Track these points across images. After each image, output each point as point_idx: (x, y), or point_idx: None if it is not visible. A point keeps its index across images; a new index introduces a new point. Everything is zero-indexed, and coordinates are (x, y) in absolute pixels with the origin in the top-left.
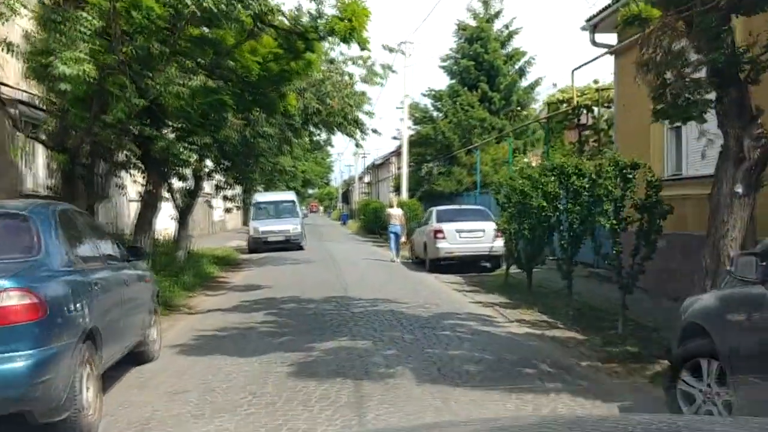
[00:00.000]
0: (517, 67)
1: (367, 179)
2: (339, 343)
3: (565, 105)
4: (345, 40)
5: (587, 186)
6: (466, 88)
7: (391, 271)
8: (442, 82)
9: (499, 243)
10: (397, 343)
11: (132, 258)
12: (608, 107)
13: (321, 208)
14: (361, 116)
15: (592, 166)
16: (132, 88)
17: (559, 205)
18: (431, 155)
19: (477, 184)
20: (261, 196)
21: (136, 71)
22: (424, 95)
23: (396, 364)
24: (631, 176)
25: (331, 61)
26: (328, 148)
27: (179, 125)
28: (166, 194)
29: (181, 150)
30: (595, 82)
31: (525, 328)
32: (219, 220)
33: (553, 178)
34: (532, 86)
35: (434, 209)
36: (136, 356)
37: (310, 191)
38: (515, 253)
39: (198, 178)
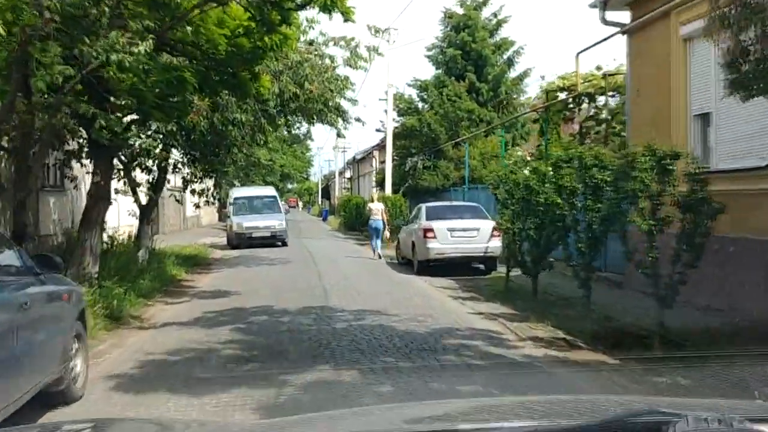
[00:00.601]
0: (505, 57)
1: (348, 174)
2: (318, 373)
3: (565, 93)
4: (326, 7)
5: (609, 179)
6: (453, 78)
7: (376, 272)
8: (428, 72)
9: (496, 243)
10: (392, 373)
11: (43, 271)
12: (613, 96)
13: (300, 204)
14: (343, 103)
15: (615, 157)
16: (55, 51)
17: (575, 202)
18: (416, 149)
19: (465, 179)
20: (239, 191)
21: (67, 34)
22: (409, 85)
23: None
24: (671, 168)
25: (311, 43)
26: (308, 141)
27: (128, 104)
28: (123, 187)
29: (133, 136)
30: (598, 68)
31: (542, 349)
32: (192, 215)
33: (568, 170)
34: (521, 77)
35: (423, 206)
36: (52, 396)
37: (289, 186)
38: (519, 255)
39: (162, 170)
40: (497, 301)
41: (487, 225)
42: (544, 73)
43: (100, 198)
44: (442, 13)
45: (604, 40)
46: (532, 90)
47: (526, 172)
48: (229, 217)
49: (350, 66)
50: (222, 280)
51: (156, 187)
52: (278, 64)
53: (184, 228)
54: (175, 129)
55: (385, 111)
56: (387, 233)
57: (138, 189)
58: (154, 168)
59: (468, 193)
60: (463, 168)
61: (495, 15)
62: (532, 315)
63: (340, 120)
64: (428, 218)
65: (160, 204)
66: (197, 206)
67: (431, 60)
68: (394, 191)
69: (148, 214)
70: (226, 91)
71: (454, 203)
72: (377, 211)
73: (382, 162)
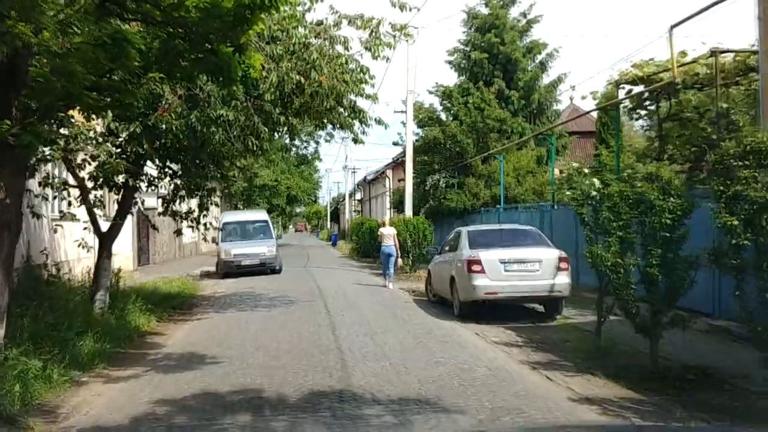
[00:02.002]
0: (537, 61)
1: (358, 196)
2: None
3: (640, 86)
4: None
5: None
6: (482, 83)
7: (406, 319)
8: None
9: (563, 279)
10: None
11: None
12: (701, 88)
13: (308, 228)
14: (360, 102)
15: None
16: None
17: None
18: (439, 164)
19: (500, 197)
20: (229, 216)
21: None
22: (431, 93)
23: None
24: None
25: (319, 23)
26: (316, 162)
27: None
28: (70, 209)
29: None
30: (683, 54)
31: None
32: (190, 242)
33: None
34: (555, 84)
35: (464, 230)
36: None
37: (297, 210)
38: (630, 303)
39: (130, 189)
40: (597, 373)
41: (550, 255)
42: (575, 83)
43: (2, 223)
44: (465, 14)
45: (714, 4)
46: (566, 99)
47: (596, 182)
48: (217, 243)
49: (369, 51)
50: (201, 333)
51: (121, 211)
52: (276, 48)
53: (180, 256)
54: (139, 131)
55: (403, 123)
56: (400, 261)
57: (98, 211)
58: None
59: (503, 214)
60: (494, 186)
61: (524, 15)
62: (679, 406)
63: (356, 122)
64: (472, 246)
65: (151, 230)
66: (177, 233)
67: (453, 66)
68: (414, 213)
69: (108, 243)
70: (204, 76)
71: (505, 227)
72: (389, 236)
73: (401, 180)
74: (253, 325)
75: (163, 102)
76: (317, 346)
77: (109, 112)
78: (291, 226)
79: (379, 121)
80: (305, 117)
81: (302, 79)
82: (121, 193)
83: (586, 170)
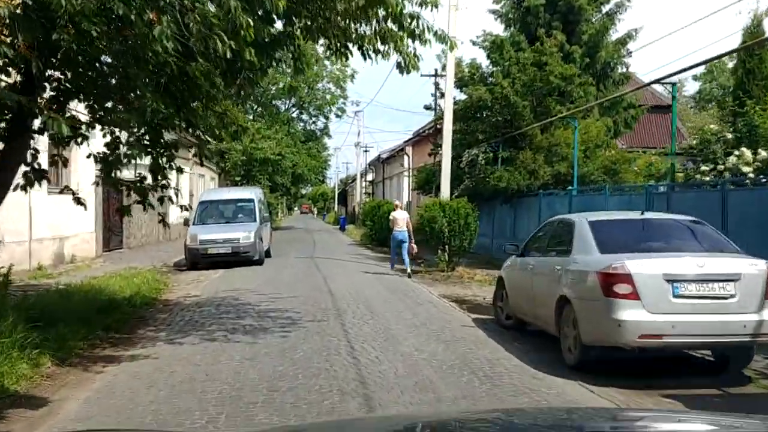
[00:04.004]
0: (605, 11)
1: (369, 177)
2: None
3: None
4: None
5: None
6: (542, 34)
7: (488, 371)
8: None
9: None
10: None
11: None
12: None
13: (315, 211)
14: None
15: None
16: None
17: None
18: (484, 133)
19: (574, 177)
20: (209, 194)
21: None
22: (475, 44)
23: None
24: None
25: None
26: (325, 139)
27: None
28: None
29: None
30: None
31: None
32: (178, 222)
33: None
34: (623, 41)
35: (579, 219)
36: None
37: (303, 191)
38: None
39: (15, 127)
40: None
41: (752, 269)
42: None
43: None
44: None
45: None
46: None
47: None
48: (188, 225)
49: None
50: (110, 408)
51: (4, 171)
52: None
53: (166, 239)
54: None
55: (442, 75)
56: (414, 246)
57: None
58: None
59: (576, 198)
60: (556, 162)
61: None
62: None
63: (406, 37)
64: (604, 248)
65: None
66: (122, 211)
67: (499, 17)
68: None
69: None
70: None
71: (650, 217)
72: (402, 220)
73: (433, 152)
74: (216, 385)
75: None
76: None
77: None
78: (296, 208)
79: (441, 37)
80: (319, 33)
81: None
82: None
83: (729, 135)
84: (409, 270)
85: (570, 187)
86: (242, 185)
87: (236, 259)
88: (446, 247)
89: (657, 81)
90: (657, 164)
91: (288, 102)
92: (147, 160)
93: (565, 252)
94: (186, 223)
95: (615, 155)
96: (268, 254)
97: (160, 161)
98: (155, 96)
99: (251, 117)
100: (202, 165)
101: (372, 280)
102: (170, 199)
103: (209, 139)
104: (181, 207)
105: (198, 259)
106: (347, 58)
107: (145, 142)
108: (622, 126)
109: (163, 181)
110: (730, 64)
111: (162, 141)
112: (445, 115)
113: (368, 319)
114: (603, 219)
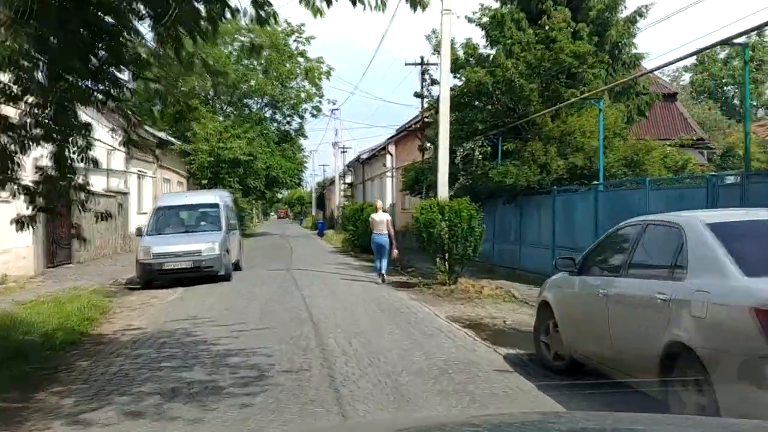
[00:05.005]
0: None
1: (348, 179)
2: None
3: None
4: None
5: None
6: (550, 6)
7: None
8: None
9: None
10: None
11: None
12: None
13: (291, 215)
14: None
15: None
16: None
17: None
18: (483, 123)
19: (599, 169)
20: (166, 199)
21: None
22: (471, 21)
23: None
24: None
25: None
26: (300, 140)
27: None
28: None
29: None
30: None
31: None
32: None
33: None
34: (631, 19)
35: (697, 225)
36: None
37: (279, 195)
38: None
39: None
40: None
41: None
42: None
43: None
44: None
45: None
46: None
47: None
48: (141, 236)
49: None
50: None
51: None
52: None
53: (125, 250)
54: None
55: (426, 74)
56: (395, 252)
57: None
58: None
59: (603, 195)
60: (570, 154)
61: None
62: None
63: None
64: (749, 269)
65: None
66: (20, 223)
67: None
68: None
69: None
70: None
71: None
72: (381, 223)
73: (426, 147)
74: None
75: None
76: None
77: None
78: (273, 213)
79: None
80: None
81: None
82: None
83: None
84: (384, 275)
85: (595, 182)
86: (210, 189)
87: (198, 274)
88: (446, 255)
89: (701, 51)
90: (673, 155)
91: (260, 101)
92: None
93: (673, 272)
94: (139, 233)
95: (637, 145)
96: (237, 267)
97: (68, 151)
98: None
99: (221, 118)
100: (129, 155)
101: (362, 298)
102: (82, 204)
103: (137, 118)
104: (98, 216)
105: (152, 276)
106: (330, 4)
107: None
108: (635, 113)
109: (69, 174)
110: (722, 54)
111: (73, 122)
112: (441, 100)
113: (366, 365)
114: (730, 221)
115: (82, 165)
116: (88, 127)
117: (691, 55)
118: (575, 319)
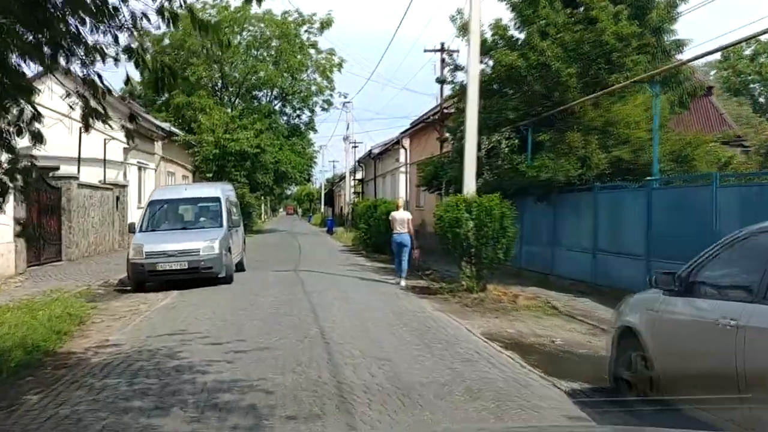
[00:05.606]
0: None
1: (359, 175)
2: None
3: None
4: None
5: None
6: None
7: None
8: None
9: None
10: None
11: None
12: None
13: (299, 212)
14: None
15: None
16: None
17: None
18: (515, 111)
19: (653, 162)
20: (161, 192)
21: None
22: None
23: None
24: None
25: None
26: (310, 134)
27: None
28: None
29: None
30: None
31: None
32: None
33: None
34: (672, 3)
35: None
36: None
37: (288, 191)
38: None
39: None
40: None
41: None
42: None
43: None
44: None
45: None
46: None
47: None
48: (133, 232)
49: None
50: None
51: None
52: None
53: (121, 246)
54: None
55: (444, 62)
56: (416, 252)
57: None
58: None
59: (658, 194)
60: (614, 146)
61: None
62: None
63: None
64: None
65: (71, 205)
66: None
67: None
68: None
69: None
70: None
71: None
72: (402, 222)
73: (442, 139)
74: None
75: None
76: None
77: None
78: (281, 210)
79: None
80: None
81: None
82: None
83: None
84: (403, 282)
85: (649, 178)
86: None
87: (196, 276)
88: (473, 259)
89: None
90: (715, 152)
91: (270, 93)
92: None
93: None
94: (131, 229)
95: (687, 138)
96: (240, 267)
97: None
98: None
99: (229, 110)
100: (87, 130)
101: (380, 308)
102: (23, 191)
103: (108, 87)
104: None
105: (144, 278)
106: None
107: None
108: (676, 105)
109: (11, 156)
110: (748, 51)
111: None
112: (470, 79)
113: (397, 408)
114: None
115: (22, 141)
116: (30, 89)
117: (723, 48)
118: (682, 354)
